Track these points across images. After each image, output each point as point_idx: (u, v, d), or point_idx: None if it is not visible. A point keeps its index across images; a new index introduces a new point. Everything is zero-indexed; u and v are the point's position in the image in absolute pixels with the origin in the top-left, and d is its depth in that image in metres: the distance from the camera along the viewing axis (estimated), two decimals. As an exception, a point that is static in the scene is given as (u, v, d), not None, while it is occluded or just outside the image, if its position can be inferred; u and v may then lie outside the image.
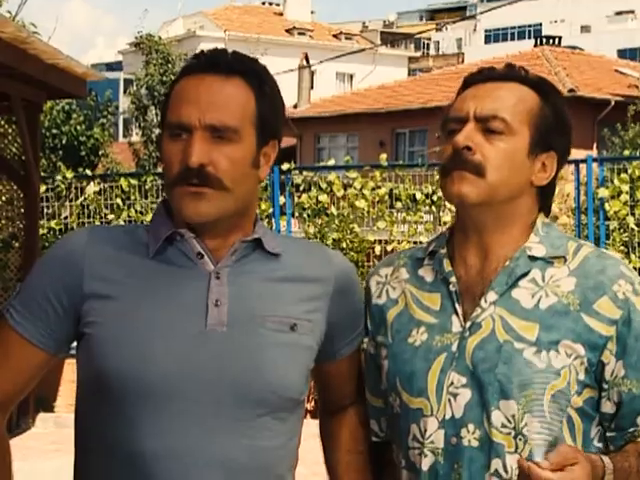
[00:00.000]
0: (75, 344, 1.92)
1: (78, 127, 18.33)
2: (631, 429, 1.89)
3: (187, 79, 1.87)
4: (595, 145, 22.64)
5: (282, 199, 10.16)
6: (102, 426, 1.85)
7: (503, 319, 1.89)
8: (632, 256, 9.31)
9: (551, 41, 30.81)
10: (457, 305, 1.93)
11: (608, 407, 1.89)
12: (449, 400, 1.89)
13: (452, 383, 1.89)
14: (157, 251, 1.87)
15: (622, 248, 9.37)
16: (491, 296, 1.91)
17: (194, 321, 1.83)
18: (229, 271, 1.87)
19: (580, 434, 1.89)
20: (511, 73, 1.98)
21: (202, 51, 1.91)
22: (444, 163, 1.94)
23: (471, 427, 1.87)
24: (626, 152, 10.89)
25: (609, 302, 1.88)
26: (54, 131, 18.12)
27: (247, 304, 1.86)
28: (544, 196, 1.99)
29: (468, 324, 1.91)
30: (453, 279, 1.95)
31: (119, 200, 10.56)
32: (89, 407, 1.89)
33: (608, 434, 1.91)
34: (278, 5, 57.26)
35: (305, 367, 1.92)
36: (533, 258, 1.93)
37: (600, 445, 1.91)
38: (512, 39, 57.20)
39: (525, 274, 1.92)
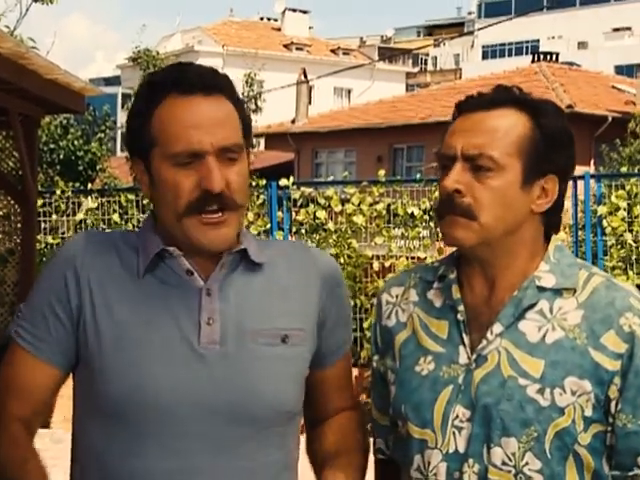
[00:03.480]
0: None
1: (76, 142, 18.29)
2: (631, 472, 1.83)
3: (172, 103, 1.81)
4: (592, 161, 22.67)
5: (280, 214, 10.16)
6: (99, 446, 1.83)
7: (509, 353, 1.84)
8: (630, 272, 9.30)
9: (548, 57, 30.85)
10: (464, 335, 1.88)
11: (611, 440, 1.83)
12: (454, 434, 1.85)
13: (457, 416, 1.85)
14: (147, 268, 1.86)
15: (620, 264, 9.36)
16: (497, 328, 1.86)
17: (187, 340, 1.82)
18: (219, 287, 1.85)
19: (590, 472, 1.83)
20: (499, 97, 1.89)
21: (163, 69, 1.90)
22: (437, 207, 1.89)
23: (471, 461, 1.83)
24: (624, 169, 10.89)
25: (615, 336, 1.81)
26: (51, 146, 18.10)
27: (238, 320, 1.85)
28: (549, 218, 1.92)
29: (474, 356, 1.86)
30: (461, 307, 1.90)
31: (116, 215, 10.54)
32: (84, 427, 1.88)
33: (612, 472, 1.84)
34: (276, 20, 57.46)
35: (300, 376, 1.90)
36: (542, 289, 1.86)
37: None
38: (509, 55, 57.37)
39: (532, 305, 1.86)
